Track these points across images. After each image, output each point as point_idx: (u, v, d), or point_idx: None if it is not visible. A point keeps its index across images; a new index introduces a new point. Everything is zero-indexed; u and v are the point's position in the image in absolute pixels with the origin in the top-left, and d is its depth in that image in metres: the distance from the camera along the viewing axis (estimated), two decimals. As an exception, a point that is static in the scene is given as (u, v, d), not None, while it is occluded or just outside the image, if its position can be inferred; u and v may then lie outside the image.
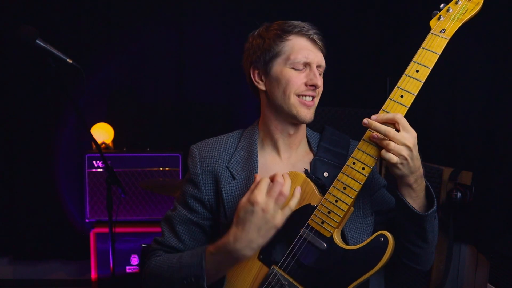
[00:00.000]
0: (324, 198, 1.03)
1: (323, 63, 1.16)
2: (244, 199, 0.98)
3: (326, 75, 1.21)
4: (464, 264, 2.54)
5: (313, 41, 1.14)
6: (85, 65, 1.79)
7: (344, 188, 1.01)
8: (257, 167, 1.14)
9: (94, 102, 3.09)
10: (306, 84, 1.11)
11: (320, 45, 1.16)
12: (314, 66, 1.12)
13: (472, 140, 2.43)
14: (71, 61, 1.70)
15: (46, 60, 1.69)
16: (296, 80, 1.11)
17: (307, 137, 1.24)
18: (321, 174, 1.13)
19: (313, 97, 1.13)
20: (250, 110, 3.14)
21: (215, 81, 3.17)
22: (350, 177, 1.01)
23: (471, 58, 2.41)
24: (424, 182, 1.04)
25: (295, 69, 1.12)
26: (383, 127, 0.97)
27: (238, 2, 3.10)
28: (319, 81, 1.12)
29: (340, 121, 2.66)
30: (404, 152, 0.96)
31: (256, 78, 1.18)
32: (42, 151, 3.08)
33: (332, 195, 1.02)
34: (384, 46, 3.09)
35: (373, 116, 1.00)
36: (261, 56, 1.15)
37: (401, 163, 0.97)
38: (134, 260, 2.76)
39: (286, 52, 1.13)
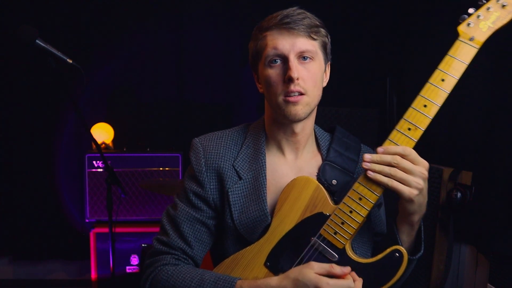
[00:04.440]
0: (338, 208, 0.98)
1: (306, 45, 1.01)
2: (314, 274, 0.91)
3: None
4: (464, 264, 2.54)
5: (287, 28, 1.00)
6: (85, 65, 1.79)
7: (360, 199, 0.96)
8: (265, 167, 1.08)
9: (94, 102, 3.09)
10: (284, 81, 1.01)
11: (299, 27, 1.00)
12: (291, 56, 1.00)
13: (472, 140, 2.43)
14: (71, 61, 1.70)
15: (46, 60, 1.69)
16: (275, 79, 1.02)
17: (316, 136, 1.16)
18: (329, 181, 1.07)
19: (300, 93, 1.01)
20: (250, 110, 3.15)
21: (214, 81, 3.17)
22: (367, 188, 0.96)
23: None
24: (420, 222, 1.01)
25: (271, 66, 1.02)
26: (406, 163, 0.92)
27: (237, 2, 3.10)
28: (294, 72, 0.99)
29: (340, 121, 2.66)
30: (421, 184, 0.92)
31: (257, 82, 1.13)
32: (42, 151, 3.08)
33: (347, 205, 0.97)
34: (385, 46, 3.09)
35: (380, 149, 0.94)
36: (252, 60, 1.10)
37: (417, 196, 0.93)
38: (134, 260, 2.76)
39: (260, 50, 1.05)
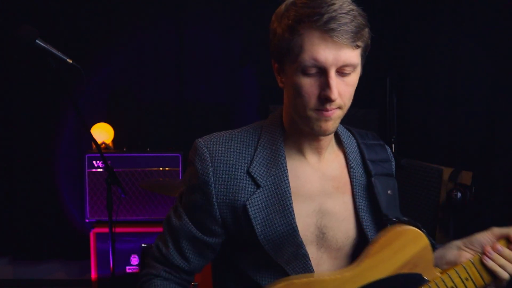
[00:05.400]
0: (441, 278, 0.91)
1: (350, 59, 0.87)
2: None
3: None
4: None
5: (332, 36, 0.85)
6: (85, 65, 1.79)
7: (466, 279, 0.91)
8: (287, 172, 0.94)
9: (94, 102, 3.09)
10: (319, 97, 0.88)
11: (345, 36, 0.85)
12: (331, 70, 0.86)
13: (472, 140, 2.43)
14: (71, 61, 1.70)
15: (46, 60, 1.69)
16: (308, 91, 0.88)
17: (337, 133, 1.04)
18: (385, 194, 0.99)
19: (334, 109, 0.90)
20: (250, 110, 3.15)
21: (215, 80, 3.17)
22: (478, 272, 0.91)
23: (471, 57, 2.41)
24: None
25: (305, 74, 0.88)
26: None
27: (237, 3, 3.10)
28: (334, 93, 0.86)
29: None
30: None
31: (276, 72, 0.96)
32: (42, 151, 3.08)
33: (451, 279, 0.91)
34: (385, 46, 3.09)
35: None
36: (275, 49, 0.92)
37: None
38: (134, 260, 2.76)
39: (295, 51, 0.87)
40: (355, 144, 1.05)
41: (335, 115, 0.91)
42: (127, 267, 2.76)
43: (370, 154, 1.03)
